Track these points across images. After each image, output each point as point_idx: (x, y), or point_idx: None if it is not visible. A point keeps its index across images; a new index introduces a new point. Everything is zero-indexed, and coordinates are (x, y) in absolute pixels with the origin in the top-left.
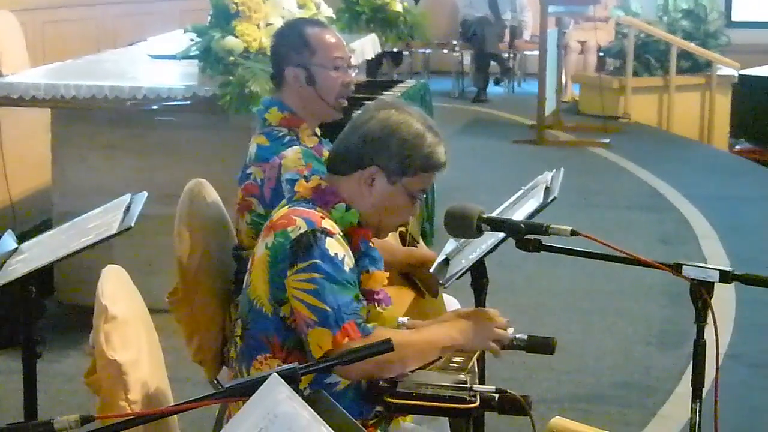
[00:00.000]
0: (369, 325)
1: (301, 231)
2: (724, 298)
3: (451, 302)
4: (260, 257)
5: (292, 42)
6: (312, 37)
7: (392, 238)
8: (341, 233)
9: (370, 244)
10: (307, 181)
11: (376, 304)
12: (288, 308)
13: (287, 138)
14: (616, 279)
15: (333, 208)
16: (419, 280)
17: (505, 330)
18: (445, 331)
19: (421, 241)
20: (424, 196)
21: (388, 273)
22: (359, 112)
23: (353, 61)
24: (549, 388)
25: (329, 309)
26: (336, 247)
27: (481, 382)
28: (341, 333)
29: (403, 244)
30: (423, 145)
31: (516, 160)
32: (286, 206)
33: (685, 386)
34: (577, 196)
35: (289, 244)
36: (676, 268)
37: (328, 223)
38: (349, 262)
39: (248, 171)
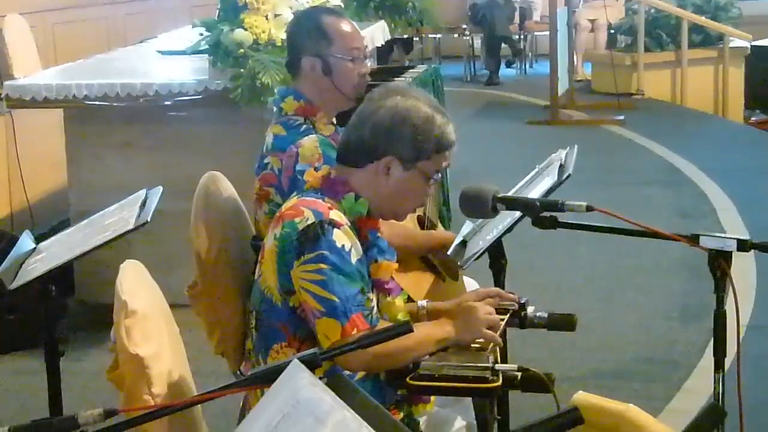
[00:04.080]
0: (374, 316)
1: (309, 222)
2: (745, 269)
3: (470, 284)
4: (269, 248)
5: (309, 31)
6: (329, 27)
7: (411, 223)
8: (349, 224)
9: (379, 234)
10: (316, 171)
11: (385, 294)
12: (296, 299)
13: (303, 127)
14: (636, 255)
15: (343, 198)
16: (439, 264)
17: (494, 315)
18: (439, 326)
19: (439, 224)
20: (440, 176)
21: (396, 264)
22: (364, 102)
23: (368, 51)
24: (572, 365)
25: (337, 300)
26: (343, 238)
27: (503, 361)
28: (350, 324)
29: (422, 229)
30: (433, 128)
31: (530, 141)
32: (296, 197)
33: (708, 359)
34: (593, 175)
35: (296, 235)
36: (694, 239)
37: (335, 214)
38: (356, 254)
39: (265, 161)
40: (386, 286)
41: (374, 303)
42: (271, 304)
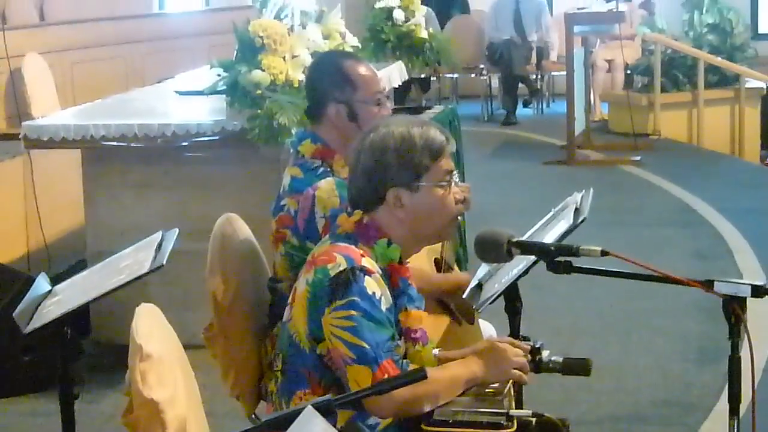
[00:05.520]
0: (404, 362)
1: (341, 268)
2: (761, 312)
3: (486, 328)
4: (301, 293)
5: (333, 78)
6: (352, 73)
7: (428, 266)
8: (380, 271)
9: (409, 282)
10: (349, 216)
11: (413, 343)
12: (325, 346)
13: (321, 169)
14: (652, 296)
15: (375, 244)
16: (455, 307)
17: (524, 356)
18: (466, 366)
19: (455, 267)
20: (455, 175)
21: (425, 312)
22: (348, 155)
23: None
24: (588, 409)
25: (367, 346)
26: (374, 286)
27: (519, 405)
28: (380, 370)
29: (438, 271)
30: (415, 141)
31: (547, 182)
32: (329, 242)
33: (725, 403)
34: (610, 215)
35: (328, 281)
36: (708, 285)
37: (367, 261)
38: (385, 302)
39: (282, 203)
40: (414, 335)
41: (403, 351)
42: (298, 349)
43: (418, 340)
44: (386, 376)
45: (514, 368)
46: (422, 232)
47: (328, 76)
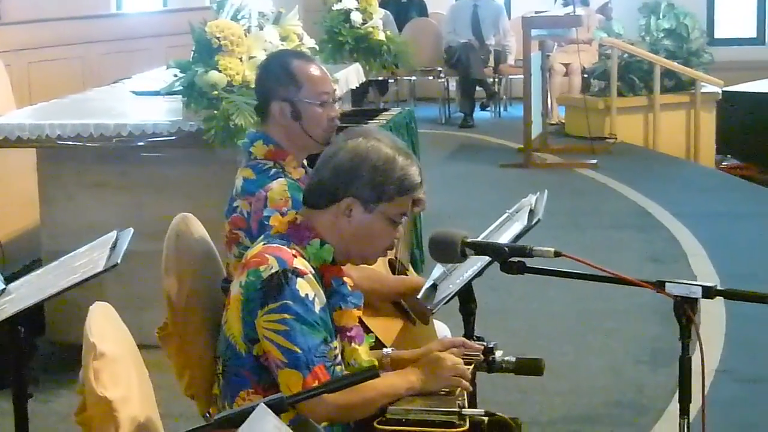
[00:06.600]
0: (338, 369)
1: (273, 271)
2: (714, 313)
3: (441, 328)
4: (234, 296)
5: (278, 75)
6: (298, 71)
7: (382, 267)
8: (313, 271)
9: (342, 281)
10: (283, 216)
11: (349, 342)
12: (260, 347)
13: (273, 171)
14: (607, 299)
15: (308, 244)
16: (410, 308)
17: (477, 355)
18: (404, 377)
19: (411, 268)
20: (405, 219)
21: (360, 312)
22: (329, 145)
23: (338, 94)
24: (541, 409)
25: (299, 351)
26: (306, 287)
27: (473, 405)
28: (311, 376)
29: (393, 272)
30: (395, 169)
31: (504, 184)
32: (262, 243)
33: (677, 404)
34: (565, 218)
35: (260, 284)
36: (660, 286)
37: (300, 262)
38: (319, 303)
39: (235, 204)
40: (349, 334)
41: (338, 351)
42: (235, 351)
43: (353, 339)
44: (317, 382)
45: (453, 375)
46: (350, 250)
47: (274, 74)
